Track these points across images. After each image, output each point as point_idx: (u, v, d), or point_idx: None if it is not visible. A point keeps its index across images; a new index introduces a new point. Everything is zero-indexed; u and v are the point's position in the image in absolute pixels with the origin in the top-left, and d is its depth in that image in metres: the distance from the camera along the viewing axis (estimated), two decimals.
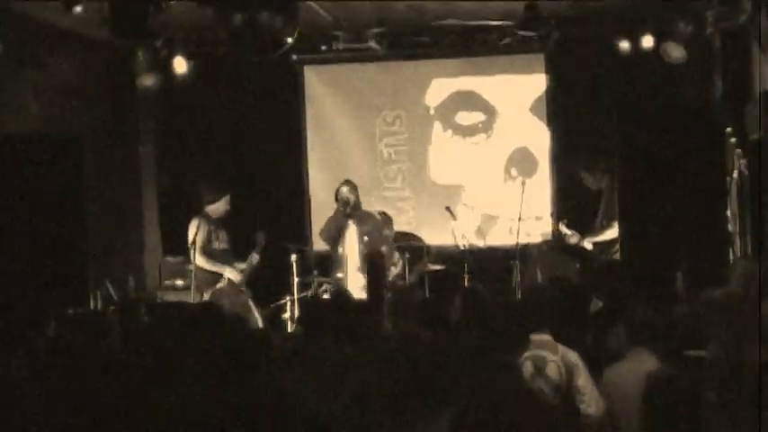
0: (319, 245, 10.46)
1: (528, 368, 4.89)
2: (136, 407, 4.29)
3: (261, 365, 4.18)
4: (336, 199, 9.14)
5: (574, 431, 4.66)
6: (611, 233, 9.18)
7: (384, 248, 9.00)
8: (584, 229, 9.39)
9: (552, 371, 4.89)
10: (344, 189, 9.12)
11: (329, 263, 9.35)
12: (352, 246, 9.04)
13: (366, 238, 8.99)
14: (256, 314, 8.82)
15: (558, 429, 3.85)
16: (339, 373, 4.60)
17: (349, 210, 9.03)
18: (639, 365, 4.46)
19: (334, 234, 9.13)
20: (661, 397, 3.72)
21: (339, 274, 9.09)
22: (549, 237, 10.25)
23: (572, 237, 9.31)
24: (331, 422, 4.08)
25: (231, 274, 8.71)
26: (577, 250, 9.39)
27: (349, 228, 9.07)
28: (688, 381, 3.77)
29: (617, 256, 9.09)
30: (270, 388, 3.98)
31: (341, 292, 7.54)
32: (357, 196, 9.13)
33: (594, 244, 9.29)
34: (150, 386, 4.41)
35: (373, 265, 8.28)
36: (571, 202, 10.14)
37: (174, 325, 5.25)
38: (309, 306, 6.05)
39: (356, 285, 8.74)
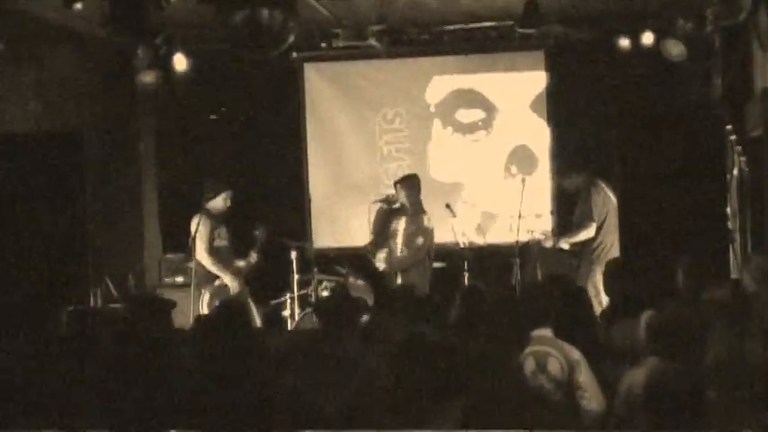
0: (319, 242, 10.48)
1: (529, 364, 4.90)
2: (135, 404, 4.29)
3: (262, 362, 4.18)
4: (392, 194, 9.27)
5: (575, 427, 4.67)
6: (586, 233, 9.12)
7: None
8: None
9: (554, 367, 4.90)
10: (398, 185, 9.25)
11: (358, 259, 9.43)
12: (400, 243, 9.10)
13: (408, 239, 9.08)
14: (255, 311, 8.82)
15: (559, 425, 3.87)
16: (343, 370, 4.60)
17: (398, 206, 9.13)
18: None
19: (382, 229, 9.18)
20: (663, 395, 3.72)
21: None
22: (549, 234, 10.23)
23: (546, 240, 9.29)
24: (336, 420, 4.08)
25: (230, 282, 8.70)
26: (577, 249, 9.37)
27: (399, 224, 9.12)
28: (690, 379, 3.77)
29: (594, 256, 9.05)
30: (274, 385, 3.98)
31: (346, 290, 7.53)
32: (411, 195, 9.16)
33: (571, 245, 9.24)
34: (151, 383, 4.41)
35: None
36: (571, 200, 10.12)
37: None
38: (333, 301, 5.91)
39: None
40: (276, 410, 3.76)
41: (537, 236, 9.34)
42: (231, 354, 4.20)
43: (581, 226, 9.16)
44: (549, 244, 9.22)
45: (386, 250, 9.15)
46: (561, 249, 9.31)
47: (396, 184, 9.34)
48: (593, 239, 9.08)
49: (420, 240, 9.15)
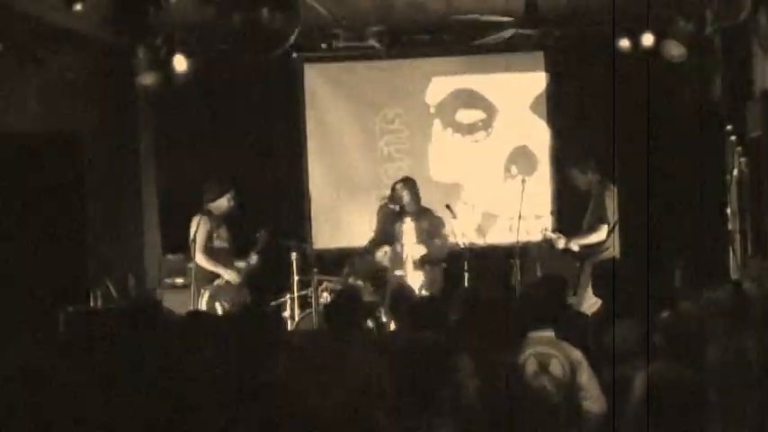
0: (319, 243, 10.48)
1: (531, 365, 4.90)
2: (137, 406, 4.29)
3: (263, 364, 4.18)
4: (392, 195, 9.26)
5: (576, 428, 4.67)
6: (597, 236, 9.00)
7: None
8: (576, 230, 9.32)
9: (555, 368, 4.91)
10: (398, 186, 9.27)
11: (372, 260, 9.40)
12: (410, 243, 9.10)
13: (425, 235, 9.11)
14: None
15: (560, 426, 3.87)
16: (342, 371, 4.60)
17: (405, 207, 9.15)
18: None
19: (389, 231, 9.17)
20: (663, 397, 3.72)
21: (398, 272, 9.12)
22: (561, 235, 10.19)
23: (558, 240, 9.21)
24: (333, 421, 4.08)
25: (229, 275, 8.72)
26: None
27: (406, 225, 9.11)
28: (690, 381, 3.77)
29: (603, 256, 8.99)
30: (273, 386, 3.98)
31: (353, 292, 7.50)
32: (414, 193, 9.23)
33: (580, 246, 9.16)
34: (151, 386, 4.41)
35: None
36: (571, 201, 10.11)
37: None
38: (340, 302, 5.86)
39: (415, 283, 8.82)
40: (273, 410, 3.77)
41: (548, 235, 9.30)
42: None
43: (593, 228, 9.07)
44: (561, 244, 9.14)
45: (385, 249, 9.17)
46: (564, 250, 9.28)
47: (397, 184, 9.33)
48: (602, 242, 8.99)
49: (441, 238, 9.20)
